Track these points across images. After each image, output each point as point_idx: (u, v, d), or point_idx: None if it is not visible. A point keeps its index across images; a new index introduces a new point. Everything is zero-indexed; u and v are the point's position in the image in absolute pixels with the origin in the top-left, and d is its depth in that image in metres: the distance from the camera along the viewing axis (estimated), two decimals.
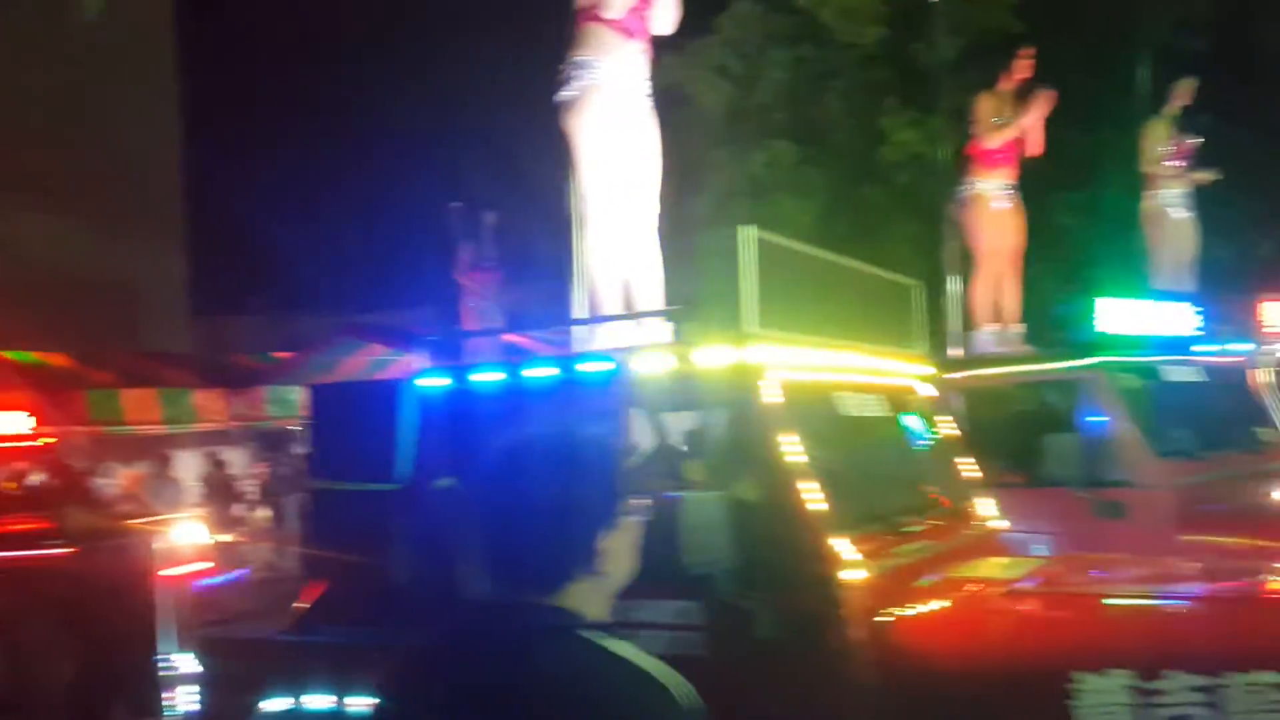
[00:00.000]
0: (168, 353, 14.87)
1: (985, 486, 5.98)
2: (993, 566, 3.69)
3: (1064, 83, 12.12)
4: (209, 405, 12.00)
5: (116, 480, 11.26)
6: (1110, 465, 5.72)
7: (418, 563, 3.65)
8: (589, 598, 1.53)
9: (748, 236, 3.25)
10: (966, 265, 7.34)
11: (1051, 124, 12.47)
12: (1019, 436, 6.51)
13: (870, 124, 12.01)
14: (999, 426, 6.87)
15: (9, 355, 11.53)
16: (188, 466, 12.72)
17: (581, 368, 3.48)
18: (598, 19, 4.39)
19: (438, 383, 3.71)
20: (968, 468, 4.55)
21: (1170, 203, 8.57)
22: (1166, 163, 8.38)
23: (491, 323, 10.37)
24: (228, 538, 9.89)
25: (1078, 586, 3.58)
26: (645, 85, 4.62)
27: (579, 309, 4.36)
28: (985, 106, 7.03)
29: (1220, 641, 2.88)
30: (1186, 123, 8.45)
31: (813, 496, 3.14)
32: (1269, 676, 2.68)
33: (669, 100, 14.10)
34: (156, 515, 8.13)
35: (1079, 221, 12.11)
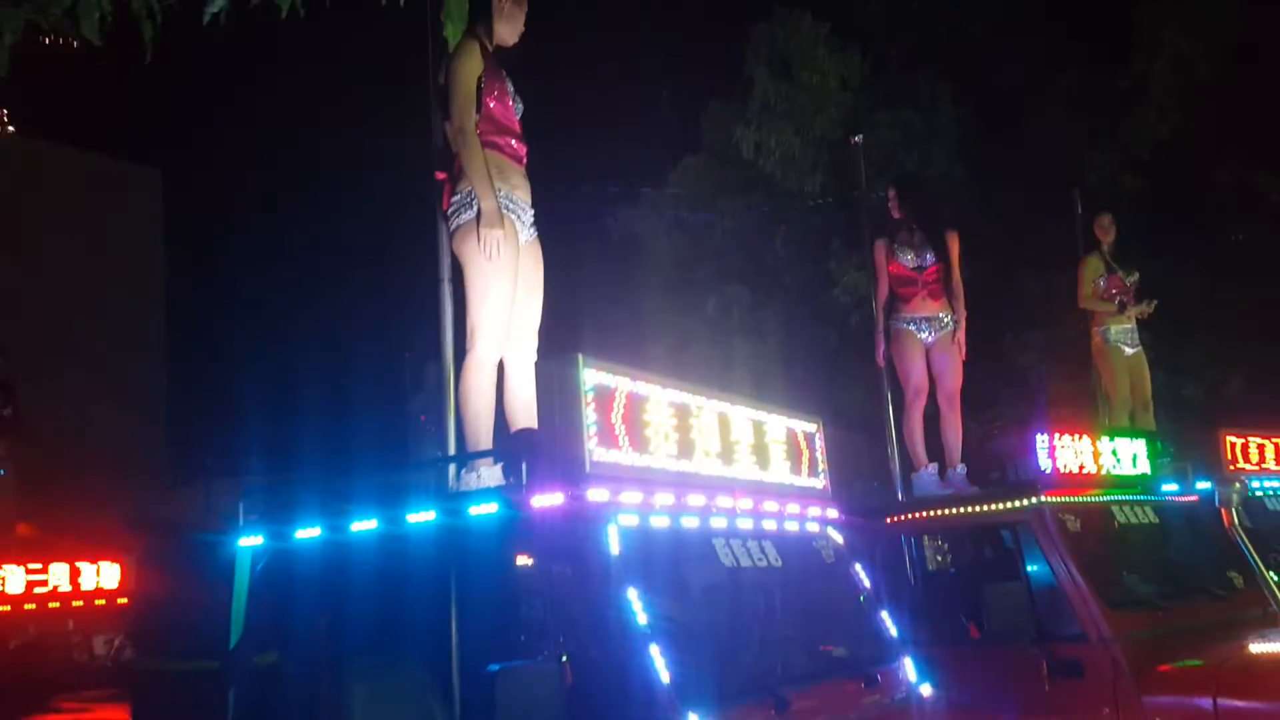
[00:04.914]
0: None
1: (928, 643, 5.51)
2: None
3: (1012, 227, 12.25)
4: None
5: None
6: (1062, 617, 5.23)
7: None
8: None
9: (586, 367, 2.90)
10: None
11: (1003, 265, 12.49)
12: (965, 586, 6.02)
13: (820, 267, 11.97)
14: (943, 575, 6.40)
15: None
16: None
17: (413, 519, 3.06)
18: (488, 144, 4.23)
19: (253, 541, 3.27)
20: (886, 621, 4.06)
21: (1117, 339, 8.37)
22: (1103, 299, 8.24)
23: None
24: None
25: None
26: (532, 212, 4.42)
27: (451, 446, 3.98)
28: (884, 248, 6.84)
29: None
30: (1120, 258, 8.35)
31: (663, 664, 2.67)
32: None
33: (626, 248, 14.19)
34: None
35: (1037, 359, 11.91)
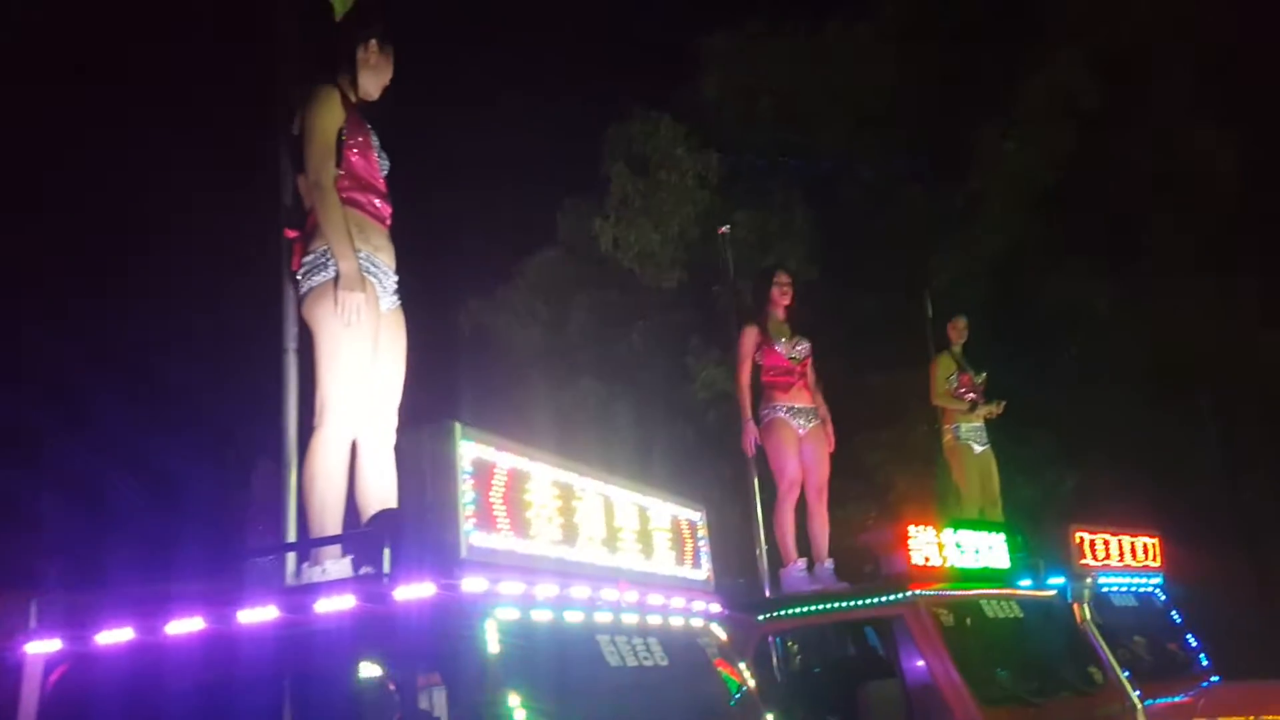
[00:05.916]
0: None
1: None
2: None
3: (861, 328, 12.58)
4: None
5: None
6: (938, 716, 5.07)
7: None
8: None
9: (464, 438, 2.54)
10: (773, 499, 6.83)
11: (854, 366, 12.78)
12: (839, 684, 5.81)
13: (677, 363, 11.90)
14: (817, 673, 6.18)
15: None
16: None
17: (245, 618, 2.58)
18: (349, 200, 3.86)
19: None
20: None
21: (967, 436, 8.57)
22: (954, 397, 8.45)
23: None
24: None
25: None
26: (395, 278, 4.06)
27: (290, 534, 3.50)
28: (757, 335, 6.75)
29: None
30: (969, 359, 8.61)
31: None
32: None
33: (476, 340, 13.78)
34: None
35: (886, 458, 12.10)
